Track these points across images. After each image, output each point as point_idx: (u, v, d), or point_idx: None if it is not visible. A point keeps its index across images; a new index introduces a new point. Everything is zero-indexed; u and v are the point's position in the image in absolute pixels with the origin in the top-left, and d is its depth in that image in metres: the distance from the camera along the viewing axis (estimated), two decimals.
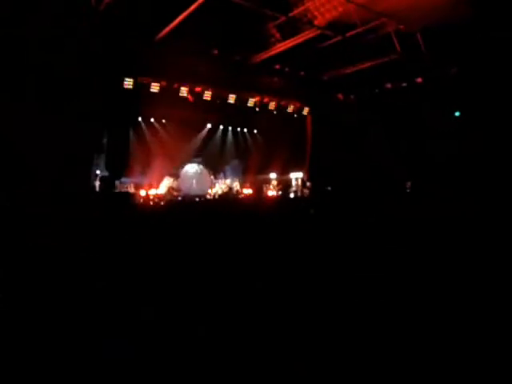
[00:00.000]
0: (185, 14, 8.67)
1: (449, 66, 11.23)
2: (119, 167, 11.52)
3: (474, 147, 10.40)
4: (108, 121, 10.49)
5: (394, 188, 12.39)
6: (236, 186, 15.28)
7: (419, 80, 12.17)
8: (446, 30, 9.79)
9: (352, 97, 14.36)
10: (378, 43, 10.63)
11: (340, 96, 14.54)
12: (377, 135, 12.89)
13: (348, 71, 12.33)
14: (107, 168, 11.19)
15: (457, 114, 11.94)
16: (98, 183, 11.64)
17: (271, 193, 15.42)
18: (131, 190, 12.55)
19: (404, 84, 12.69)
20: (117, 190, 11.61)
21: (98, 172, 11.83)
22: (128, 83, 10.64)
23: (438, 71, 11.44)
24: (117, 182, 11.93)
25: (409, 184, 12.51)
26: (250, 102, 13.18)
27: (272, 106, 13.65)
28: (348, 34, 10.13)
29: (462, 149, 10.75)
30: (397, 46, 10.41)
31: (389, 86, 13.05)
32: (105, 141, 10.92)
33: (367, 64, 11.50)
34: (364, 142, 13.09)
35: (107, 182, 11.14)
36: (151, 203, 12.03)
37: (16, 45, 7.59)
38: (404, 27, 10.02)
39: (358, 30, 9.91)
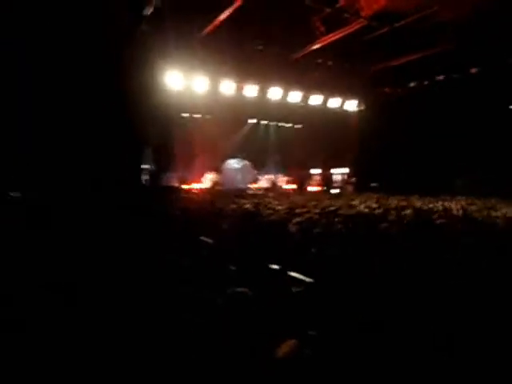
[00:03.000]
0: (230, 9, 8.75)
1: (507, 56, 10.46)
2: (166, 162, 11.92)
3: None
4: (155, 117, 10.86)
5: (443, 185, 11.76)
6: (278, 180, 15.27)
7: (473, 71, 11.44)
8: (505, 18, 9.13)
9: (400, 90, 13.81)
10: (428, 33, 10.12)
11: (388, 89, 14.03)
12: (426, 130, 12.30)
13: (396, 63, 11.85)
14: (154, 162, 11.64)
15: None
16: (146, 177, 12.10)
17: (313, 188, 15.26)
18: (176, 183, 12.94)
19: (457, 75, 11.98)
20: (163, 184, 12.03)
21: (145, 166, 12.30)
22: (175, 79, 10.99)
23: (495, 62, 10.68)
24: (163, 176, 12.36)
25: (460, 183, 11.83)
26: (295, 97, 13.06)
27: (316, 100, 13.43)
28: (397, 25, 9.74)
29: None
30: (451, 35, 9.86)
31: (440, 77, 12.38)
32: (152, 136, 11.32)
33: (417, 55, 10.98)
34: (412, 136, 12.54)
35: (155, 176, 11.60)
36: (196, 196, 12.34)
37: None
38: (459, 15, 9.45)
39: (408, 19, 9.49)
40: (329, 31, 10.11)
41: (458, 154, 11.51)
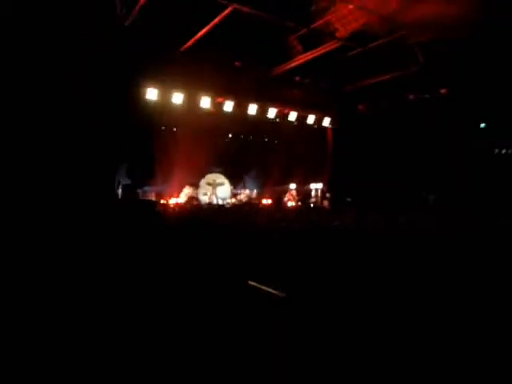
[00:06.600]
0: (208, 26, 8.87)
1: (474, 76, 11.02)
2: (141, 176, 11.73)
3: (501, 159, 10.13)
4: (131, 130, 10.73)
5: (417, 201, 12.12)
6: (255, 196, 15.28)
7: (443, 91, 11.97)
8: (472, 39, 9.66)
9: (373, 108, 14.25)
10: (400, 54, 10.57)
11: (361, 107, 14.46)
12: (398, 147, 12.70)
13: (369, 82, 12.27)
14: (129, 176, 11.41)
15: (482, 125, 11.68)
16: (120, 191, 11.85)
17: (290, 203, 15.35)
18: (152, 198, 12.71)
19: (427, 95, 12.50)
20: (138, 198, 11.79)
21: (120, 180, 12.05)
22: (152, 94, 10.95)
23: (463, 82, 11.23)
24: (139, 191, 12.14)
25: (432, 197, 12.23)
26: (271, 113, 13.24)
27: (293, 117, 13.66)
28: (370, 46, 10.12)
29: (488, 161, 10.48)
30: (419, 57, 10.32)
31: (411, 97, 12.88)
32: (127, 149, 11.14)
33: (389, 75, 11.42)
34: (385, 153, 12.92)
35: (129, 190, 11.35)
36: (172, 211, 12.16)
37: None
38: (427, 38, 9.93)
39: (380, 41, 9.90)
40: (306, 50, 10.39)
41: (431, 171, 11.90)
